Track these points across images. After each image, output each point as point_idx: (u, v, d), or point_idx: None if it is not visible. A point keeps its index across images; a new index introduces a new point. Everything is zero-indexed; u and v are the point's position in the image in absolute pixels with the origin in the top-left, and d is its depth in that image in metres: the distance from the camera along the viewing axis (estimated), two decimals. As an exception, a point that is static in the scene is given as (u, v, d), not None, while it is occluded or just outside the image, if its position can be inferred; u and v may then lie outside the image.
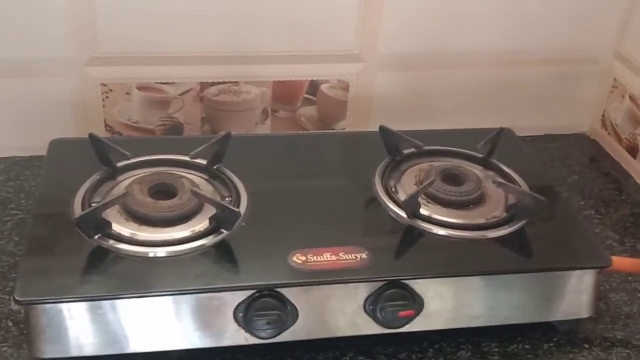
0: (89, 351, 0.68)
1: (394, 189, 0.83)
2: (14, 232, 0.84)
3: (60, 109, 0.96)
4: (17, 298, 0.65)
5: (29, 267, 0.69)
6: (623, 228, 0.95)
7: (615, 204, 1.00)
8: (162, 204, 0.75)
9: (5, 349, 0.71)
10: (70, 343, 0.67)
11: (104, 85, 0.96)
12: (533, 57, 1.06)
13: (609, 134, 1.11)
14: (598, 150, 1.12)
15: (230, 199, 0.79)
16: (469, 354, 0.75)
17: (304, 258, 0.72)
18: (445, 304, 0.74)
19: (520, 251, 0.77)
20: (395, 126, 0.88)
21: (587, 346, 0.77)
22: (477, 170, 0.87)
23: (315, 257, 0.72)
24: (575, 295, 0.77)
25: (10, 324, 0.73)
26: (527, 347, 0.77)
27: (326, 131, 1.04)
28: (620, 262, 0.78)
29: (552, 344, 0.77)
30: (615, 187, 1.04)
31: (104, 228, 0.72)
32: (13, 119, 0.95)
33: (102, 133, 0.98)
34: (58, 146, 0.85)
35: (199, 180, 0.81)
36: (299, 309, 0.70)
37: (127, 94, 0.97)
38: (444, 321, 0.75)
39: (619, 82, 1.09)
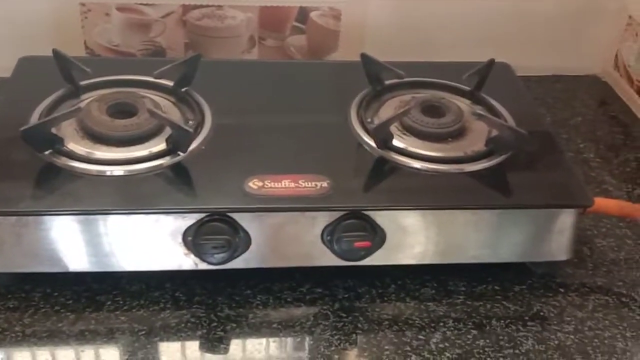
0: (30, 268, 0.66)
1: (369, 120, 0.79)
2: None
3: (40, 28, 0.93)
4: (-44, 209, 0.64)
5: (-28, 179, 0.67)
6: (623, 173, 0.89)
7: (618, 148, 0.94)
8: (118, 122, 0.72)
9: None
10: (12, 258, 0.66)
11: (82, 4, 0.92)
12: (541, -11, 1.00)
13: (621, 75, 1.04)
14: (608, 92, 1.05)
15: (193, 122, 0.75)
16: (433, 291, 0.72)
17: (260, 184, 0.68)
18: (409, 238, 0.70)
19: (496, 186, 0.72)
20: (389, 59, 0.83)
21: (562, 290, 0.73)
22: (462, 103, 0.82)
23: (272, 184, 0.68)
24: (553, 235, 0.72)
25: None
26: (496, 288, 0.73)
27: (308, 60, 0.99)
28: (604, 203, 0.73)
29: (524, 287, 0.73)
30: (621, 130, 0.97)
31: (55, 143, 0.69)
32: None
33: (82, 55, 0.95)
34: (26, 64, 0.83)
35: (163, 101, 0.78)
36: (251, 235, 0.67)
37: (107, 14, 0.94)
38: (408, 256, 0.71)
39: (633, 19, 1.01)
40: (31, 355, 0.64)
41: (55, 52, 0.77)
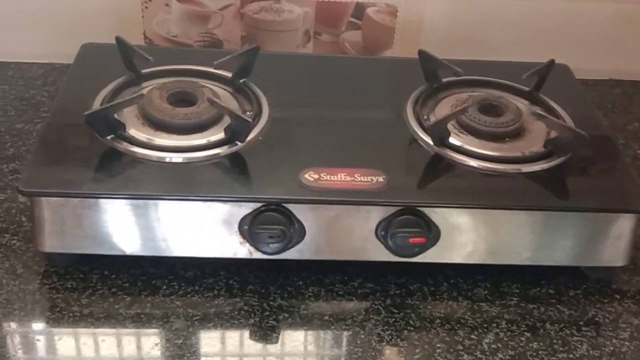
0: (88, 249, 0.68)
1: (426, 117, 0.78)
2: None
3: (100, 17, 0.95)
4: (21, 188, 0.65)
5: (37, 160, 0.69)
6: (682, 181, 0.87)
7: (676, 155, 0.92)
8: (179, 110, 0.73)
9: (15, 241, 0.71)
10: (71, 239, 0.67)
11: (143, -6, 0.94)
12: (602, -9, 0.98)
13: (682, 81, 1.02)
14: (667, 98, 1.03)
15: (251, 112, 0.76)
16: (486, 292, 0.71)
17: (316, 176, 0.68)
18: (464, 237, 0.69)
19: (553, 188, 0.72)
20: (445, 57, 0.82)
21: (618, 297, 0.72)
22: (520, 103, 0.81)
23: (328, 176, 0.69)
24: (610, 240, 0.71)
25: (24, 218, 0.74)
26: (550, 291, 0.72)
27: (365, 55, 0.99)
28: (665, 209, 0.71)
29: (579, 291, 0.72)
30: (680, 138, 0.95)
31: (117, 129, 0.71)
32: (53, 26, 0.95)
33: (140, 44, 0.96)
34: (88, 50, 0.85)
35: (222, 92, 0.78)
36: (305, 226, 0.67)
37: (167, 5, 0.95)
38: (461, 255, 0.70)
39: (697, 24, 0.99)
40: (88, 336, 0.65)
41: (118, 39, 0.78)
